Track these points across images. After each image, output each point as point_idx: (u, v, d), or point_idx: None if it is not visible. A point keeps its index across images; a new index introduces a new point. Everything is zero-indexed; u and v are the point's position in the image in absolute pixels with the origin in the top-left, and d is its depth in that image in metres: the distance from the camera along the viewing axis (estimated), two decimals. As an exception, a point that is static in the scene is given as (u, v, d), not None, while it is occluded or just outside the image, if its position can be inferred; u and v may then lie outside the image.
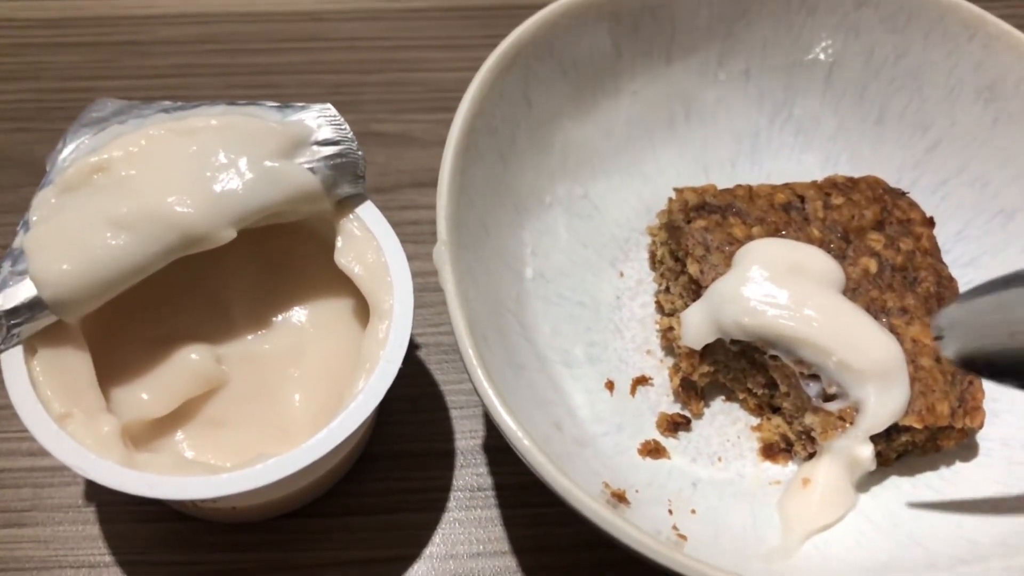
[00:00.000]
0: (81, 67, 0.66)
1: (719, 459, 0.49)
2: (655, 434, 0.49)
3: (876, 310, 0.48)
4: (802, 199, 0.51)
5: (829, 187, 0.52)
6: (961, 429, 0.46)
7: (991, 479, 0.46)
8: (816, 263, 0.48)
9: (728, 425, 0.50)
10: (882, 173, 0.55)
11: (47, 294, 0.39)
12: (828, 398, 0.46)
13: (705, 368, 0.49)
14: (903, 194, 0.53)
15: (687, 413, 0.50)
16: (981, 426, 0.46)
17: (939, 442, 0.47)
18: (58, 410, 0.39)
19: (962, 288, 0.50)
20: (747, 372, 0.49)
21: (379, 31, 0.68)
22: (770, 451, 0.49)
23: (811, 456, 0.48)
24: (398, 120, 0.64)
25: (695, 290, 0.49)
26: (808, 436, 0.47)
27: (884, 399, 0.44)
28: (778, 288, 0.46)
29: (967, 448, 0.48)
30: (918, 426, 0.45)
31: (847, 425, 0.45)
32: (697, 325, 0.48)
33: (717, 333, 0.47)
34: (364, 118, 0.63)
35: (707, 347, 0.48)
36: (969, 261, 0.53)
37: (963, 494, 0.46)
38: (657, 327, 0.53)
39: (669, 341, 0.51)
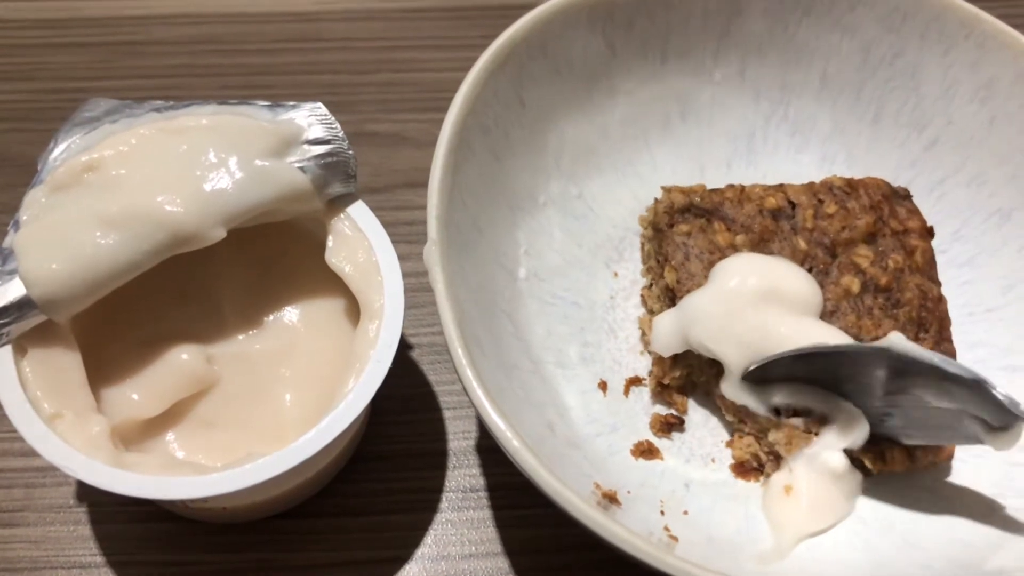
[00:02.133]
0: (76, 68, 0.66)
1: (712, 460, 0.49)
2: (648, 435, 0.49)
3: (851, 336, 0.47)
4: (793, 205, 0.51)
5: (824, 192, 0.51)
6: (929, 463, 0.45)
7: (988, 480, 0.46)
8: (793, 287, 0.47)
9: (721, 427, 0.50)
10: (879, 172, 0.54)
11: (36, 293, 0.39)
12: (792, 415, 0.46)
13: (677, 372, 0.49)
14: (907, 196, 0.52)
15: (679, 413, 0.50)
16: (950, 457, 0.46)
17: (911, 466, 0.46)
18: (48, 410, 0.39)
19: (952, 304, 0.50)
20: (719, 378, 0.49)
21: (373, 31, 0.68)
22: (742, 469, 0.48)
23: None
24: (392, 120, 0.64)
25: (671, 297, 0.49)
26: (775, 455, 0.47)
27: (847, 423, 0.45)
28: (747, 316, 0.45)
29: (963, 449, 0.47)
30: (870, 467, 0.45)
31: (813, 436, 0.45)
32: (667, 334, 0.47)
33: (685, 345, 0.47)
34: (359, 118, 0.63)
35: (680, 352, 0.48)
36: (966, 261, 0.53)
37: (959, 496, 0.46)
38: (639, 323, 0.53)
39: (648, 340, 0.51)
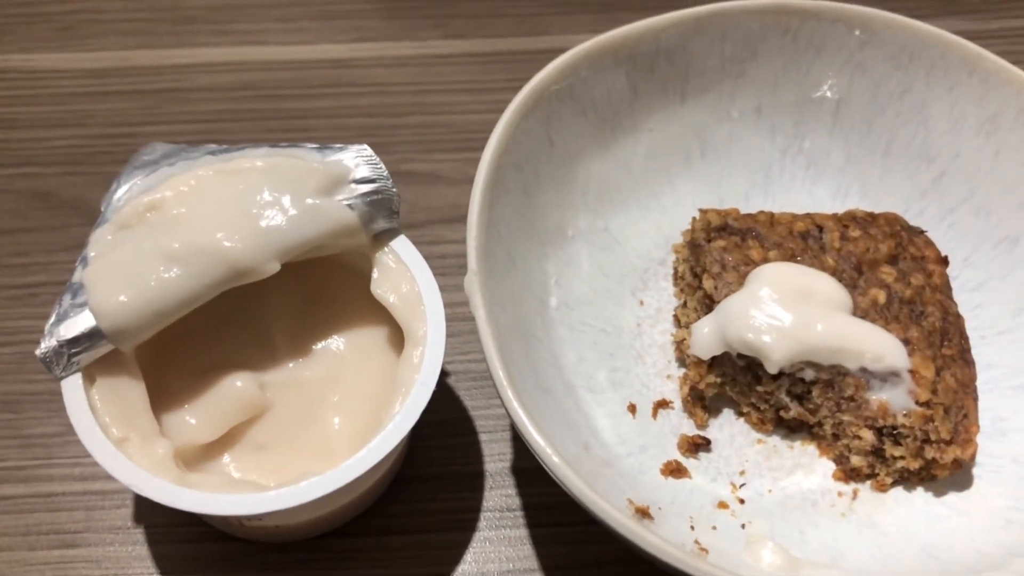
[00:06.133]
0: (125, 114, 0.69)
1: (739, 476, 0.51)
2: (676, 455, 0.51)
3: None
4: (820, 229, 0.54)
5: (848, 220, 0.55)
6: (954, 460, 0.47)
7: (1003, 494, 0.48)
8: (825, 288, 0.50)
9: (747, 446, 0.52)
10: (890, 203, 0.57)
11: (105, 324, 0.42)
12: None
13: (712, 379, 0.51)
14: (921, 232, 0.55)
15: (706, 435, 0.52)
16: (972, 458, 0.48)
17: (933, 471, 0.49)
18: (116, 434, 0.42)
19: (968, 323, 0.52)
20: (752, 386, 0.51)
21: (407, 76, 0.72)
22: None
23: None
24: (427, 160, 0.66)
25: (709, 305, 0.52)
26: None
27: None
28: (784, 310, 0.48)
29: (978, 466, 0.49)
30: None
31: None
32: (706, 336, 0.50)
33: (724, 346, 0.49)
34: (394, 159, 0.66)
35: (716, 359, 0.51)
36: (977, 286, 0.55)
37: (976, 509, 0.48)
38: (672, 339, 0.55)
39: (682, 352, 0.54)
